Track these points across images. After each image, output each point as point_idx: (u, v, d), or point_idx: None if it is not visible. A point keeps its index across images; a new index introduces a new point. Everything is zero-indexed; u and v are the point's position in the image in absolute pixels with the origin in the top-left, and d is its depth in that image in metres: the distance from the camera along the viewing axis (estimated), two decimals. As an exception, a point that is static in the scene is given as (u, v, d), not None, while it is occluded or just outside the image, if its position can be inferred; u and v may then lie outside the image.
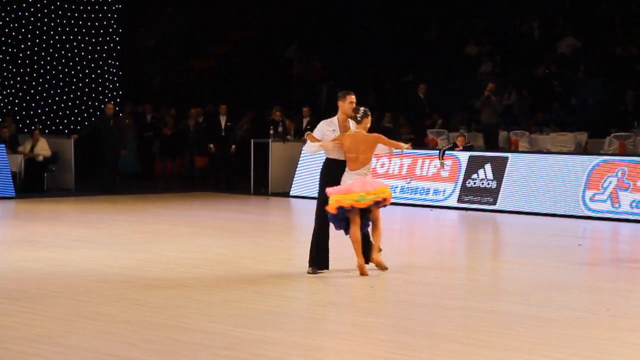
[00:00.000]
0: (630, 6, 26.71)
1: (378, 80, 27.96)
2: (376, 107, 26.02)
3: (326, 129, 10.83)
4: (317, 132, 10.87)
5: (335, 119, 10.86)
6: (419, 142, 22.26)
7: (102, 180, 22.40)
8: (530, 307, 9.34)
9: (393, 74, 27.90)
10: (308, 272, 10.93)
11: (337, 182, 10.77)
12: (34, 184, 21.69)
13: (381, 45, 29.20)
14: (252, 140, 22.68)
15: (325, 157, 10.98)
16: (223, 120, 23.16)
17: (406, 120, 25.08)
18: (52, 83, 27.49)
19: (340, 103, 10.81)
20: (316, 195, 11.04)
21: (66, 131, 26.81)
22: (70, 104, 27.66)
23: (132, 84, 29.60)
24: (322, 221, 10.88)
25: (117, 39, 28.47)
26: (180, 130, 24.14)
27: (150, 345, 7.65)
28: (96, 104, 27.82)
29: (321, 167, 11.09)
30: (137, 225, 15.84)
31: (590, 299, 10.07)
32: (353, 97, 10.78)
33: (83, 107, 27.85)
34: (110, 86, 28.32)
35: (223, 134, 23.07)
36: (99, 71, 28.12)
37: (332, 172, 10.85)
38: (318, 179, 11.13)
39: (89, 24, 27.95)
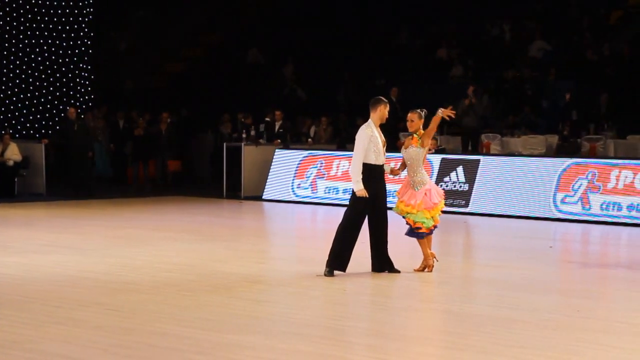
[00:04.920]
0: (599, 9, 26.92)
1: (348, 83, 27.96)
2: (346, 110, 26.12)
3: (368, 133, 11.19)
4: (364, 138, 11.13)
5: (371, 122, 11.29)
6: (392, 146, 22.26)
7: (71, 184, 22.27)
8: (501, 309, 9.40)
9: (364, 77, 27.93)
10: (325, 274, 10.96)
11: (376, 187, 10.99)
12: (4, 189, 21.54)
13: (352, 49, 29.22)
14: (224, 144, 22.63)
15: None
16: (277, 125, 22.85)
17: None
18: (23, 87, 27.31)
19: (380, 108, 11.30)
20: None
21: (37, 135, 26.65)
22: (41, 108, 27.50)
23: (103, 87, 29.46)
24: (354, 224, 11.02)
25: (89, 42, 28.34)
26: (152, 134, 24.02)
27: (122, 350, 7.62)
28: (67, 108, 27.66)
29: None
30: (110, 230, 15.77)
31: (561, 301, 10.14)
32: (387, 104, 11.49)
33: (54, 112, 27.68)
34: (82, 90, 28.18)
35: (279, 140, 22.63)
36: (70, 75, 27.96)
37: (372, 175, 11.06)
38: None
39: (60, 27, 27.80)
